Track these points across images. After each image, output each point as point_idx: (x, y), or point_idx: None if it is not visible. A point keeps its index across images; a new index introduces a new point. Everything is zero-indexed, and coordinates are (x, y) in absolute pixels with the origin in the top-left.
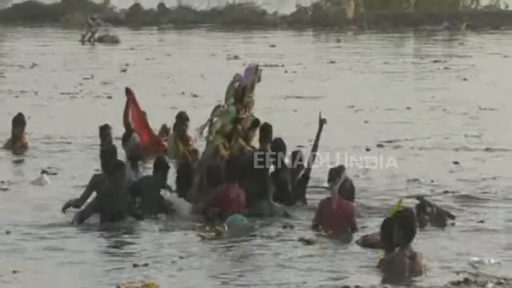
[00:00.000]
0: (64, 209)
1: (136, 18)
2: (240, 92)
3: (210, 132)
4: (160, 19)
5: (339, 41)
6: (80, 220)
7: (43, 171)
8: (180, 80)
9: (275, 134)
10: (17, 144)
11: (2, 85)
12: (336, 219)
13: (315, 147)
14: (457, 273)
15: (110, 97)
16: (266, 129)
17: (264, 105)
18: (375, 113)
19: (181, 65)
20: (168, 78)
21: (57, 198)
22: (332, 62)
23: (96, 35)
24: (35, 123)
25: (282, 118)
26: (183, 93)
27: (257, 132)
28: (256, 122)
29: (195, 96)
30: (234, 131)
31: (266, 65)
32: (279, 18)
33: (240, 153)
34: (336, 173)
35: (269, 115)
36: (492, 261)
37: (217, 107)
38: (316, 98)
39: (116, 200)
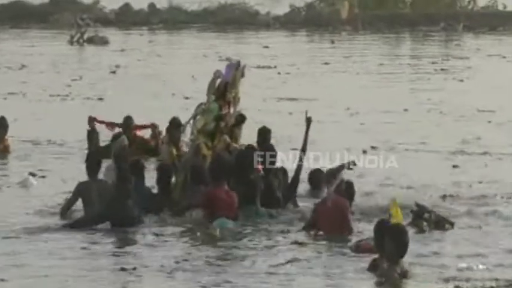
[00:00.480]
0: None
1: (126, 19)
2: (222, 89)
3: (191, 131)
4: (150, 19)
5: (333, 42)
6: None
7: (30, 174)
8: (171, 81)
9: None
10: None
11: None
12: (331, 217)
13: (303, 147)
14: (446, 280)
15: (100, 99)
16: (264, 133)
17: (257, 107)
18: (370, 115)
19: (172, 66)
20: (158, 80)
21: (43, 200)
22: (326, 63)
23: (85, 36)
24: (23, 126)
25: (276, 120)
26: (173, 95)
27: (242, 128)
28: (241, 118)
29: (186, 98)
30: (217, 128)
31: (258, 66)
32: (272, 18)
33: (225, 151)
34: (331, 174)
35: (262, 117)
36: (480, 267)
37: (200, 104)
38: (310, 100)
39: (125, 207)
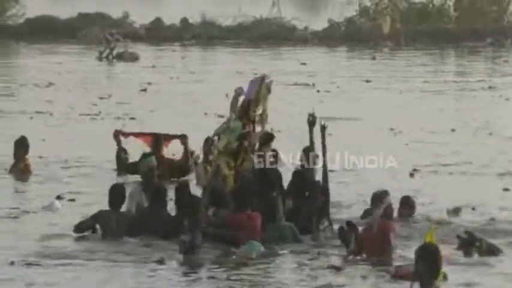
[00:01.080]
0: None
1: (157, 34)
2: (245, 106)
3: (211, 151)
4: (182, 35)
5: (374, 58)
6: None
7: (57, 197)
8: (204, 99)
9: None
10: (18, 167)
11: (16, 105)
12: (375, 242)
13: (324, 162)
14: None
15: (133, 118)
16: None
17: (294, 127)
18: (415, 135)
19: (205, 83)
20: (191, 98)
21: (69, 226)
22: (368, 81)
23: (115, 52)
24: (51, 146)
25: (315, 142)
26: (206, 114)
27: (270, 147)
28: (269, 137)
29: (220, 116)
30: (240, 147)
31: (295, 84)
32: (310, 33)
33: (249, 172)
34: (378, 198)
35: (300, 138)
36: None
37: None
38: (351, 120)
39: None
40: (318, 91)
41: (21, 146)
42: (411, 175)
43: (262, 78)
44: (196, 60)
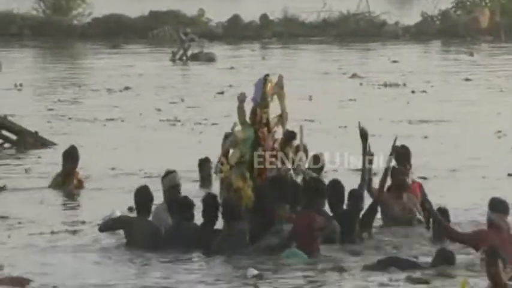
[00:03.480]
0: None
1: (235, 33)
2: (255, 111)
3: (219, 169)
4: (262, 33)
5: (471, 54)
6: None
7: (129, 208)
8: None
9: None
10: (69, 182)
11: (86, 112)
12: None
13: (363, 176)
14: None
15: (215, 124)
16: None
17: (384, 131)
18: None
19: (287, 86)
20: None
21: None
22: (467, 80)
23: (189, 52)
24: (124, 156)
25: (410, 146)
26: None
27: (293, 146)
28: (291, 135)
29: (307, 120)
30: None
31: (385, 84)
32: (401, 29)
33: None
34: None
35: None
36: None
37: (226, 136)
38: (451, 122)
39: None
40: (413, 92)
41: (70, 157)
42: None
43: (265, 78)
44: (277, 60)
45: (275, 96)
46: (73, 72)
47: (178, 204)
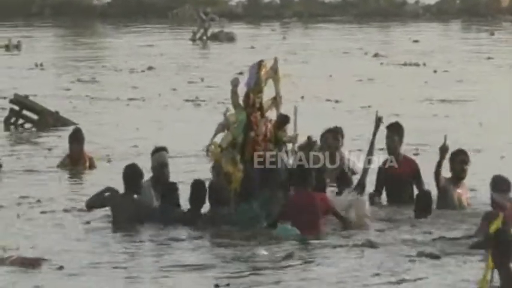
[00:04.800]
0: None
1: (255, 12)
2: (249, 95)
3: (207, 152)
4: (282, 12)
5: (492, 33)
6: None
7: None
8: (305, 83)
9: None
10: (79, 163)
11: (108, 92)
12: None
13: (370, 151)
14: None
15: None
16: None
17: (407, 111)
18: None
19: (308, 65)
20: (290, 82)
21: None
22: (489, 58)
23: (209, 32)
24: (146, 136)
25: (431, 125)
26: (302, 97)
27: (287, 130)
28: (284, 119)
29: (328, 100)
30: (246, 140)
31: (405, 64)
32: (422, 8)
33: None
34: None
35: (416, 122)
36: None
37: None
38: (471, 101)
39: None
40: (435, 71)
41: (75, 140)
42: None
43: (259, 63)
44: (298, 39)
45: (270, 81)
46: (93, 51)
47: (163, 188)
